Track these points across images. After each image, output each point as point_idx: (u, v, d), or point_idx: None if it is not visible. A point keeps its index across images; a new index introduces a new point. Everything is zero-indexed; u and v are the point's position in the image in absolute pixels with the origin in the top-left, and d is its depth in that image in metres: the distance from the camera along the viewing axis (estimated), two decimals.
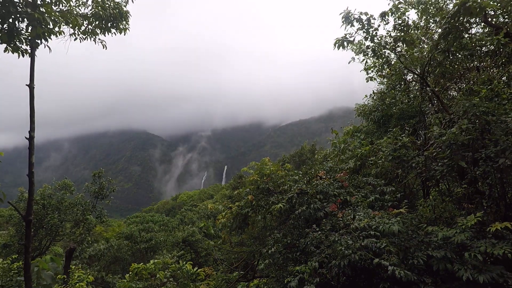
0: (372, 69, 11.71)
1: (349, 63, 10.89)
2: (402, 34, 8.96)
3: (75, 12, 6.61)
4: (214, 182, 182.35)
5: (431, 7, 11.79)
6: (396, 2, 9.03)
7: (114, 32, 7.23)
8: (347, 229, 6.87)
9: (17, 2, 5.42)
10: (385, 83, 12.75)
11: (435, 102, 10.63)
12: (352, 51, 10.92)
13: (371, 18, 8.92)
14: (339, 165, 11.13)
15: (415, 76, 11.05)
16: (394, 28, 9.17)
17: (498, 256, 5.37)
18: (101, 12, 6.76)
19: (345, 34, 9.08)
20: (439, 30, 9.24)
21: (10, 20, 5.47)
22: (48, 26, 5.72)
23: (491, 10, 10.02)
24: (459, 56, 9.54)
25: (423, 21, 12.29)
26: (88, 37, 7.09)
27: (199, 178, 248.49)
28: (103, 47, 7.34)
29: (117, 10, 6.97)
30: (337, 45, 9.08)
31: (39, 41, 5.81)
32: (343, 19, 8.88)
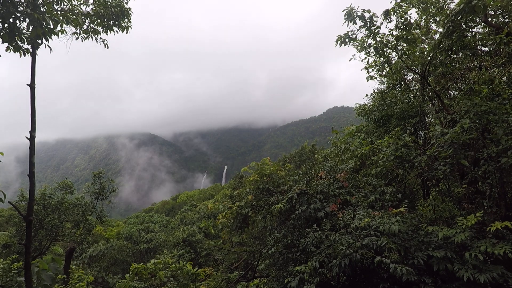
0: (372, 67, 11.70)
1: (350, 60, 10.89)
2: (404, 32, 8.93)
3: (76, 11, 6.59)
4: (213, 182, 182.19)
5: (432, 7, 11.79)
6: (399, 0, 9.01)
7: (116, 31, 7.21)
8: (348, 228, 6.87)
9: (17, 1, 5.42)
10: (386, 82, 12.75)
11: (436, 102, 10.63)
12: (354, 47, 10.90)
13: (373, 16, 8.90)
14: (339, 165, 11.12)
15: (416, 75, 11.04)
16: (396, 26, 9.15)
17: (499, 256, 5.37)
18: (102, 10, 6.74)
19: (347, 31, 9.06)
20: (441, 30, 9.23)
21: (11, 20, 5.46)
22: (49, 26, 5.72)
23: (491, 10, 10.03)
24: (461, 55, 9.54)
25: (423, 21, 12.29)
26: (90, 36, 7.07)
27: (199, 178, 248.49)
28: (105, 46, 7.30)
29: (118, 8, 6.94)
30: (339, 42, 9.04)
31: (39, 41, 5.80)
32: (346, 16, 8.84)
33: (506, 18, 10.02)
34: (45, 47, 6.01)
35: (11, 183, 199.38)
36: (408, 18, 9.14)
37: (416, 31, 11.27)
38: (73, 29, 6.72)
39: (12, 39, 5.66)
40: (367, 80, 11.71)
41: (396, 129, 9.00)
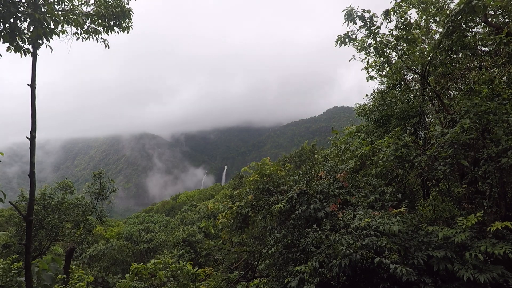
0: (372, 68, 11.71)
1: (350, 60, 10.90)
2: (404, 32, 8.94)
3: (77, 11, 6.60)
4: (214, 182, 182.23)
5: (432, 7, 11.80)
6: (398, 0, 9.04)
7: (117, 31, 7.22)
8: (348, 228, 6.87)
9: (18, 1, 5.43)
10: (386, 82, 12.76)
11: (436, 102, 10.64)
12: (354, 47, 10.90)
13: (373, 16, 8.91)
14: (339, 165, 11.13)
15: (416, 75, 11.05)
16: (396, 26, 9.16)
17: (499, 256, 5.37)
18: (103, 11, 6.75)
19: (347, 32, 9.07)
20: (441, 30, 9.24)
21: (12, 20, 5.47)
22: (50, 27, 5.73)
23: (491, 10, 10.03)
24: (461, 55, 9.54)
25: (423, 21, 12.30)
26: (91, 36, 7.08)
27: (199, 177, 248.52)
28: (106, 46, 7.32)
29: (119, 8, 6.95)
30: (339, 42, 9.05)
31: (40, 41, 5.82)
32: (346, 16, 8.85)
33: (506, 18, 10.03)
34: (46, 47, 6.03)
35: (44, 178, 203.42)
36: (408, 18, 9.15)
37: (416, 31, 11.27)
38: (74, 29, 6.74)
39: (13, 39, 5.67)
40: (367, 80, 11.73)
41: (396, 129, 9.01)
